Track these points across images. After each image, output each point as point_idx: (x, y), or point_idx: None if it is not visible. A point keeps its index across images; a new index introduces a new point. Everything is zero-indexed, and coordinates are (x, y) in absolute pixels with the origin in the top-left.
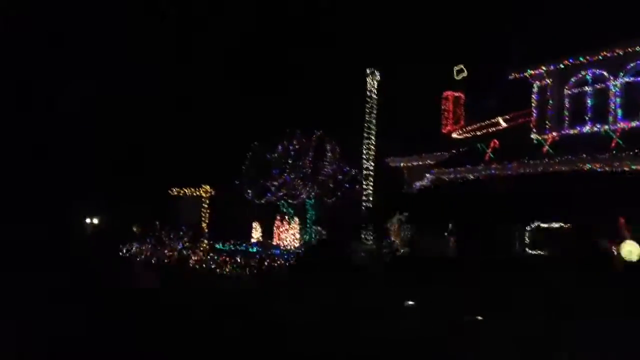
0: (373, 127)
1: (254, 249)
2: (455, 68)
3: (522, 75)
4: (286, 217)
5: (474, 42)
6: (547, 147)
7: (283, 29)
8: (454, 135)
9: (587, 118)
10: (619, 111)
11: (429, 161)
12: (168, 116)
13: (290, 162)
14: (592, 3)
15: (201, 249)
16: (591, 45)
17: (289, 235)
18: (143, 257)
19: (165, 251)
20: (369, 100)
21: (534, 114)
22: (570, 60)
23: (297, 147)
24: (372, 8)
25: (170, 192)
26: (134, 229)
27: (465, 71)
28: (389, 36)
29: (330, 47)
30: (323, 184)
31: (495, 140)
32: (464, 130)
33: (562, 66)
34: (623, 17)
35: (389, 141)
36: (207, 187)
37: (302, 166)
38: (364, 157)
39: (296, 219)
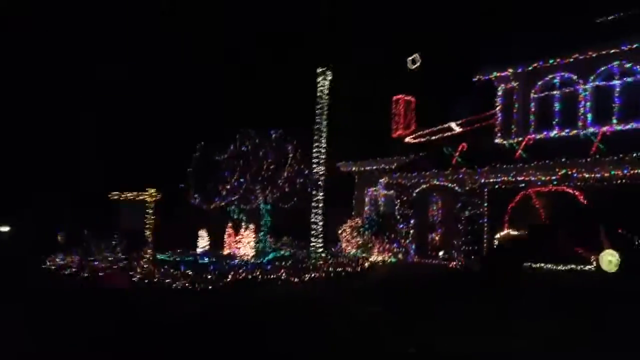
0: (324, 129)
1: (206, 260)
2: (409, 58)
3: (486, 77)
4: (241, 224)
5: (432, 44)
6: (520, 151)
7: (236, 24)
8: (408, 139)
9: (554, 123)
10: (589, 116)
11: (383, 165)
12: (109, 113)
13: (242, 163)
14: (558, 6)
15: (144, 260)
16: (560, 48)
17: (243, 244)
18: (69, 270)
19: (96, 263)
20: (319, 101)
21: (499, 118)
22: (541, 63)
23: (250, 147)
24: (329, 6)
25: (109, 196)
26: (59, 238)
27: (420, 60)
28: (344, 36)
29: (288, 46)
30: (281, 187)
31: (464, 144)
32: (418, 134)
33: (530, 69)
34: (591, 20)
35: (340, 144)
36: (153, 191)
37: (258, 168)
38: (314, 160)
39: (251, 227)
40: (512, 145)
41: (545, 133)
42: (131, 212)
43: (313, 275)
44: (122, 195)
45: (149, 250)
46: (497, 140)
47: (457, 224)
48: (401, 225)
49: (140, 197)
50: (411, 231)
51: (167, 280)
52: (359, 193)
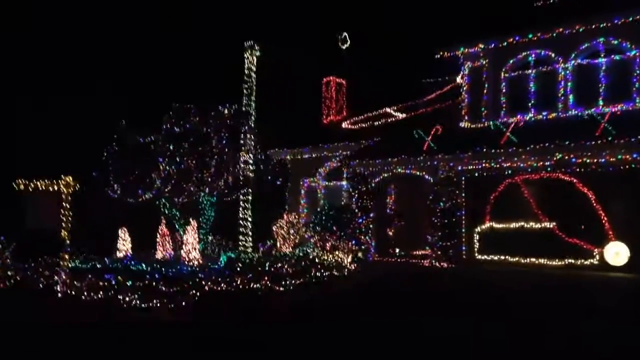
0: (252, 112)
1: (140, 267)
2: (339, 36)
3: (452, 54)
4: (176, 221)
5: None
6: (508, 134)
7: None
8: (345, 125)
9: (530, 105)
10: (571, 97)
11: (325, 153)
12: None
13: (179, 146)
14: None
15: (60, 267)
16: (536, 22)
17: (188, 245)
18: None
19: None
20: (247, 80)
21: (466, 99)
22: (517, 38)
23: (189, 127)
24: None
25: (15, 186)
26: None
27: (348, 40)
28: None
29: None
30: (232, 175)
31: (439, 127)
32: (359, 119)
33: (505, 44)
34: None
35: (271, 129)
36: (69, 179)
37: (203, 152)
38: (242, 148)
39: (193, 224)
40: (497, 127)
41: (519, 116)
42: (41, 207)
43: (294, 281)
44: (30, 185)
45: (66, 256)
46: (464, 124)
47: (430, 216)
48: (360, 220)
49: (53, 188)
50: (371, 226)
51: (95, 297)
52: (294, 185)
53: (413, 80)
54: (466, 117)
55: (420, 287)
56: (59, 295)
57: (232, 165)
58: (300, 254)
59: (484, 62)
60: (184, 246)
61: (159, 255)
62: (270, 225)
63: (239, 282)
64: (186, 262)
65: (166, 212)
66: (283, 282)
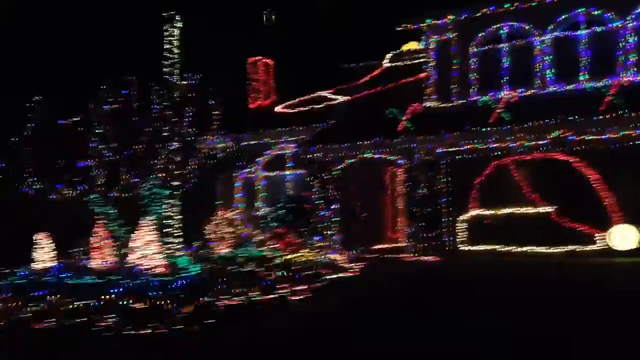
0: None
1: (89, 279)
2: (265, 12)
3: (416, 26)
4: (111, 221)
5: None
6: (500, 111)
7: None
8: (279, 109)
9: (503, 81)
10: (549, 73)
11: (268, 140)
12: None
13: (120, 127)
14: None
15: None
16: None
17: (143, 249)
18: None
19: None
20: (168, 55)
21: (432, 76)
22: (492, 8)
23: (133, 102)
24: None
25: None
26: None
27: (273, 17)
28: None
29: None
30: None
31: (417, 105)
32: (293, 103)
33: (477, 15)
34: None
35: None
36: None
37: (152, 134)
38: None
39: (149, 222)
40: (490, 104)
41: (492, 94)
42: None
43: (309, 286)
44: None
45: None
46: (431, 104)
47: (407, 205)
48: (323, 212)
49: None
50: (335, 218)
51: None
52: (227, 176)
53: (337, 64)
54: (433, 96)
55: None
56: None
57: (190, 150)
58: (253, 254)
59: (452, 35)
60: (134, 251)
61: (94, 263)
62: (200, 224)
63: (238, 293)
64: (148, 271)
65: (97, 210)
66: (291, 290)
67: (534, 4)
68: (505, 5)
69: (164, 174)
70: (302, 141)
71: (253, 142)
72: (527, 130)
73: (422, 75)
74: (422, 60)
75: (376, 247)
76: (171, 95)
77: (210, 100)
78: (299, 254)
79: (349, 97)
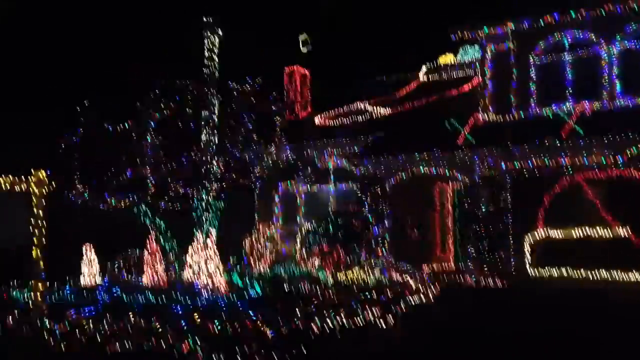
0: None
1: (148, 297)
2: (300, 37)
3: (472, 35)
4: (162, 234)
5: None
6: (572, 124)
7: None
8: (319, 121)
9: (568, 93)
10: (618, 85)
11: (312, 151)
12: None
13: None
14: None
15: (34, 303)
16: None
17: (204, 264)
18: None
19: None
20: (208, 63)
21: (489, 87)
22: (556, 17)
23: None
24: None
25: None
26: None
27: (310, 44)
28: None
29: None
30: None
31: (477, 115)
32: (333, 114)
33: (541, 24)
34: None
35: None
36: (42, 175)
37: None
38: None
39: (212, 234)
40: (563, 117)
41: (555, 107)
42: (5, 216)
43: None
44: None
45: (39, 283)
46: (486, 116)
47: (468, 223)
48: (375, 229)
49: (20, 187)
50: (386, 236)
51: None
52: (266, 190)
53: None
54: (490, 108)
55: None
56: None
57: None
58: (296, 274)
59: (511, 45)
60: (189, 267)
61: (146, 280)
62: (240, 239)
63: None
64: (208, 289)
65: (147, 222)
66: (376, 314)
67: (601, 13)
68: (571, 14)
69: (221, 184)
70: (351, 154)
71: (292, 154)
72: (604, 146)
73: (466, 87)
74: (460, 72)
75: (427, 266)
76: (231, 100)
77: (272, 106)
78: (352, 273)
79: (391, 110)
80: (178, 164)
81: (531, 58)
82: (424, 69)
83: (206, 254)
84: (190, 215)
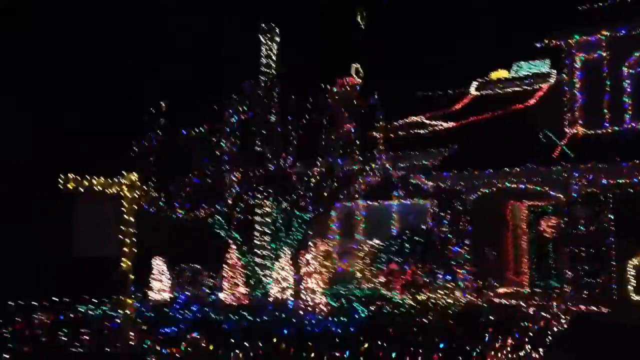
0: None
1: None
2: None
3: (561, 42)
4: (238, 246)
5: None
6: None
7: None
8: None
9: None
10: None
11: (371, 165)
12: None
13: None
14: None
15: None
16: None
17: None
18: None
19: None
20: (264, 70)
21: (579, 100)
22: None
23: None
24: None
25: (61, 183)
26: None
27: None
28: None
29: None
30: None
31: (579, 127)
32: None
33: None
34: None
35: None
36: (134, 177)
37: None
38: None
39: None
40: None
41: None
42: (94, 221)
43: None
44: (83, 184)
45: (129, 302)
46: (576, 130)
47: (563, 245)
48: (455, 249)
49: (111, 190)
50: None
51: None
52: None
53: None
54: (580, 121)
55: None
56: None
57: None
58: (360, 293)
59: (604, 54)
60: (278, 283)
61: (224, 295)
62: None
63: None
64: (306, 309)
65: (223, 233)
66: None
67: None
68: None
69: (315, 194)
70: (426, 168)
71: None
72: None
73: (534, 99)
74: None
75: (503, 291)
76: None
77: (375, 111)
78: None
79: (454, 123)
80: (265, 171)
81: (625, 68)
82: (474, 84)
83: (307, 270)
84: (263, 228)
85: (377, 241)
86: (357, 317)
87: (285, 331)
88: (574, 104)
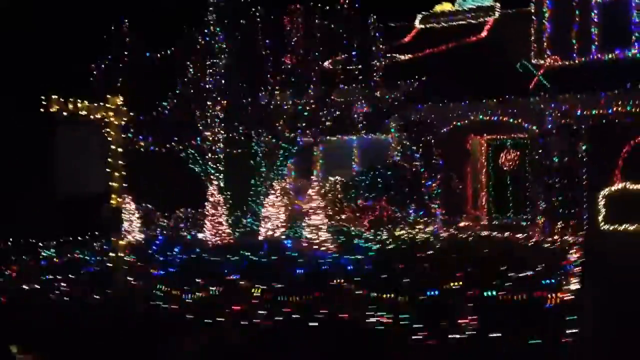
0: None
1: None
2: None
3: None
4: (218, 181)
5: None
6: None
7: None
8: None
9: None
10: None
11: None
12: None
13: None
14: None
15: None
16: None
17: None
18: None
19: None
20: None
21: (548, 30)
22: None
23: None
24: None
25: (44, 106)
26: None
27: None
28: None
29: None
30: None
31: (556, 57)
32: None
33: None
34: None
35: None
36: (118, 101)
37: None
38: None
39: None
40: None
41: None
42: (78, 152)
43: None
44: (67, 107)
45: (120, 243)
46: (551, 61)
47: (538, 176)
48: (428, 183)
49: (95, 115)
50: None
51: None
52: None
53: None
54: (548, 52)
55: None
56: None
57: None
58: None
59: None
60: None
61: (207, 235)
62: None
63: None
64: (311, 247)
65: (197, 168)
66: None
67: None
68: None
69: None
70: (396, 99)
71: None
72: None
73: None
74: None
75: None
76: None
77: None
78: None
79: (410, 55)
80: (249, 102)
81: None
82: (419, 17)
83: (308, 206)
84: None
85: (339, 177)
86: (369, 254)
87: (301, 271)
88: (542, 34)
